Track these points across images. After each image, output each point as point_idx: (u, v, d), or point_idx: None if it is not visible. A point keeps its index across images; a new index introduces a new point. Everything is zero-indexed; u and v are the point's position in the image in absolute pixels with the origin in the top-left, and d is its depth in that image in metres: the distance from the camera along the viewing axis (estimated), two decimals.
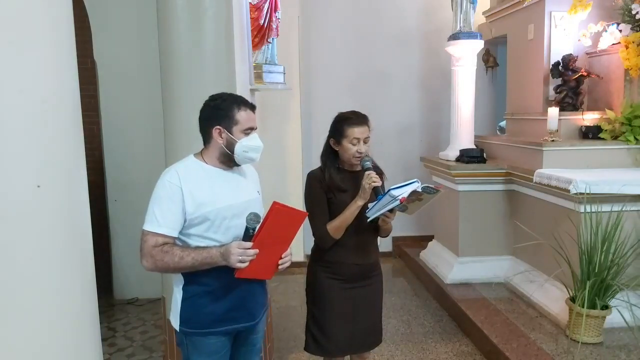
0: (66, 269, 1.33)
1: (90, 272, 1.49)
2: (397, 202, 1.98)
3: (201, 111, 1.84)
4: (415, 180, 2.06)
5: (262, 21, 3.50)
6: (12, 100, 1.18)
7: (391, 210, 2.07)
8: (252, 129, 1.83)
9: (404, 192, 1.99)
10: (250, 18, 3.28)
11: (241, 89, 2.66)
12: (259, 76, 3.52)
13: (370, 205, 2.10)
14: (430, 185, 2.06)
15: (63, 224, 1.32)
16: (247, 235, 1.73)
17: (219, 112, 1.79)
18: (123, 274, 4.36)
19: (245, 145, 1.80)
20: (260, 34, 3.53)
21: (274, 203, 1.71)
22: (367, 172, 2.11)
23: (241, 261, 1.68)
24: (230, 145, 1.80)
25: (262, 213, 1.80)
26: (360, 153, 2.17)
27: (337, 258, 2.24)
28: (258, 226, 1.73)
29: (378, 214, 2.07)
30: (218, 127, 1.79)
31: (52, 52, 1.29)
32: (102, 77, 4.23)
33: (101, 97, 4.28)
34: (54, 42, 1.30)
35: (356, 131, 2.16)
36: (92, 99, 4.47)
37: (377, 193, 2.08)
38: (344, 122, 2.19)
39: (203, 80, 2.38)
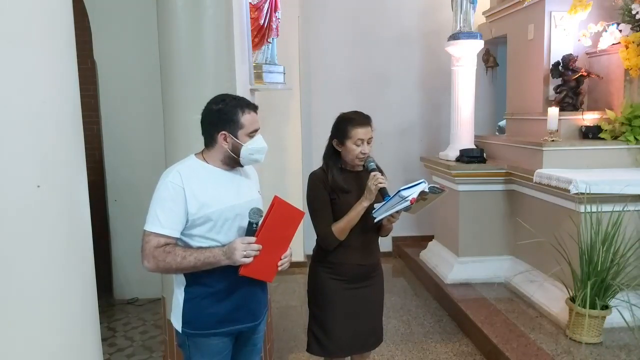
0: (66, 269, 1.33)
1: (90, 272, 1.48)
2: (407, 203, 1.99)
3: (204, 115, 1.81)
4: (422, 180, 2.07)
5: (262, 21, 3.49)
6: (12, 100, 1.18)
7: (397, 211, 2.08)
8: (256, 130, 1.82)
9: (414, 193, 1.99)
10: (250, 18, 3.27)
11: (241, 89, 2.66)
12: (259, 76, 3.51)
13: (376, 205, 2.09)
14: (436, 186, 2.09)
15: (63, 224, 1.32)
16: (251, 230, 1.74)
17: (224, 116, 1.77)
18: (123, 274, 4.36)
19: (251, 149, 1.80)
20: (260, 34, 3.52)
21: (275, 197, 1.74)
22: (372, 173, 2.10)
23: (246, 256, 1.68)
24: (236, 149, 1.79)
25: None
26: (364, 154, 2.16)
27: (341, 259, 2.23)
28: (261, 221, 1.74)
29: (386, 214, 2.07)
30: (223, 132, 1.77)
31: (52, 52, 1.29)
32: (102, 77, 4.23)
33: (101, 97, 4.28)
34: (54, 42, 1.30)
35: (360, 132, 2.14)
36: (92, 99, 4.47)
37: (383, 194, 2.08)
38: (347, 123, 2.17)
39: (203, 80, 2.37)
